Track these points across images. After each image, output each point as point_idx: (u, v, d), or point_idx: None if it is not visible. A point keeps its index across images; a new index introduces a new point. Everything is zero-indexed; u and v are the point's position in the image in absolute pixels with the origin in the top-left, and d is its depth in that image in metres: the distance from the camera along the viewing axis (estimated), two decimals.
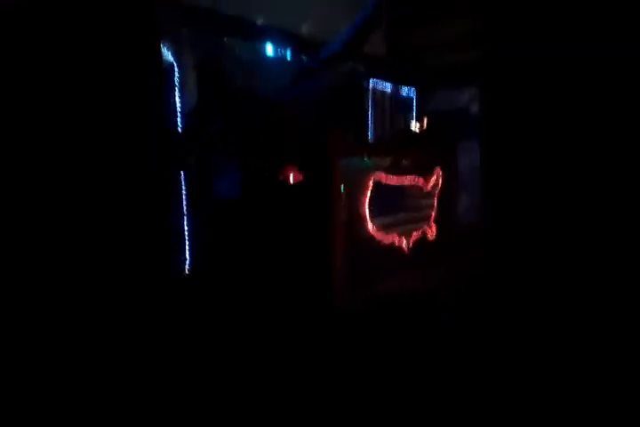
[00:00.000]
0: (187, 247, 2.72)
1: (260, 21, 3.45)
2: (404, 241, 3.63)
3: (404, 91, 4.79)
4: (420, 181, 3.77)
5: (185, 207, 2.70)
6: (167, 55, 2.61)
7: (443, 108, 5.14)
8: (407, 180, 3.65)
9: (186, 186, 2.71)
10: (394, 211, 3.55)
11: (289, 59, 3.67)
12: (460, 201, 4.22)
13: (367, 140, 4.29)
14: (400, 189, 3.61)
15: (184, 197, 2.71)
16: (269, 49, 3.54)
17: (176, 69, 2.68)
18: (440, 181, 3.96)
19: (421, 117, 4.83)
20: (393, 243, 3.51)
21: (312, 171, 2.82)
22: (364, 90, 4.36)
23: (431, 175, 3.88)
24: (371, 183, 3.27)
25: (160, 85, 1.90)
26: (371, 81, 4.43)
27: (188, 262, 2.73)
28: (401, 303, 3.18)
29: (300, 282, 2.71)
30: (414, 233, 3.75)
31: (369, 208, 3.25)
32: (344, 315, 2.90)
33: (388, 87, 4.61)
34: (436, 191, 3.95)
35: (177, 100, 2.64)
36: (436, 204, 3.95)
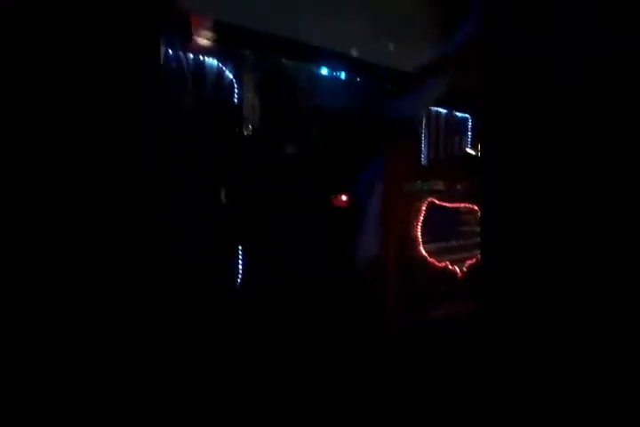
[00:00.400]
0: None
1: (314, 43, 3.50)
2: (457, 268, 3.50)
3: (460, 113, 4.72)
4: (475, 206, 3.65)
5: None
6: (228, 73, 2.69)
7: None
8: (461, 205, 3.55)
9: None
10: (447, 237, 3.44)
11: (343, 79, 3.68)
12: None
13: (421, 163, 4.21)
14: (454, 214, 3.51)
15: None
16: (324, 70, 3.57)
17: (236, 86, 2.74)
18: None
19: (476, 141, 4.73)
20: (446, 268, 3.39)
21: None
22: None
23: None
24: (424, 208, 3.20)
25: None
26: None
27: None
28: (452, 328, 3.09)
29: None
30: (468, 260, 3.61)
31: (422, 233, 3.17)
32: (397, 334, 2.85)
33: (442, 110, 4.55)
34: None
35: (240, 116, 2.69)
36: None
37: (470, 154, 4.43)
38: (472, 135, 4.77)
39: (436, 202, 3.30)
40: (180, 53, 2.51)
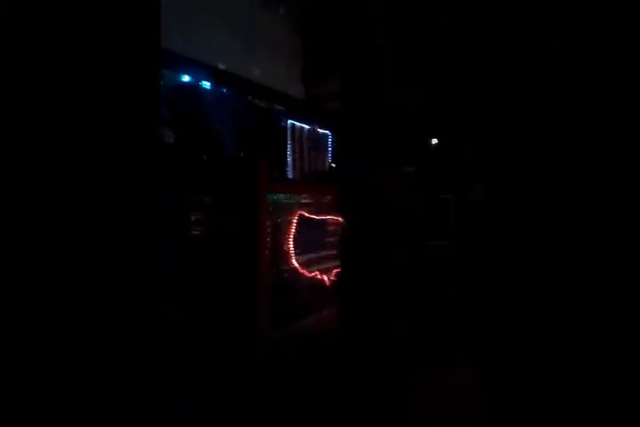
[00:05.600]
0: None
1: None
2: (325, 277, 3.65)
3: (321, 131, 4.97)
4: (340, 218, 3.86)
5: None
6: None
7: None
8: (327, 217, 3.72)
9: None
10: (316, 248, 3.57)
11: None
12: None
13: (287, 176, 4.34)
14: (321, 226, 3.66)
15: None
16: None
17: None
18: None
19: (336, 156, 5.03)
20: (315, 278, 3.51)
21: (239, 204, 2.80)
22: (284, 129, 4.46)
23: None
24: (295, 220, 3.28)
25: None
26: (289, 121, 4.55)
27: None
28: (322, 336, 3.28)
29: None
30: (334, 269, 3.79)
31: (294, 244, 3.25)
32: (267, 343, 2.88)
33: (306, 127, 4.74)
34: None
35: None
36: None
37: (333, 168, 4.68)
38: (332, 150, 5.05)
39: (306, 214, 3.41)
40: None
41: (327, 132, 5.03)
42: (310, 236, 3.49)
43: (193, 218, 2.93)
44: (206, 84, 3.61)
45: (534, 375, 2.65)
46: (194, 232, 2.92)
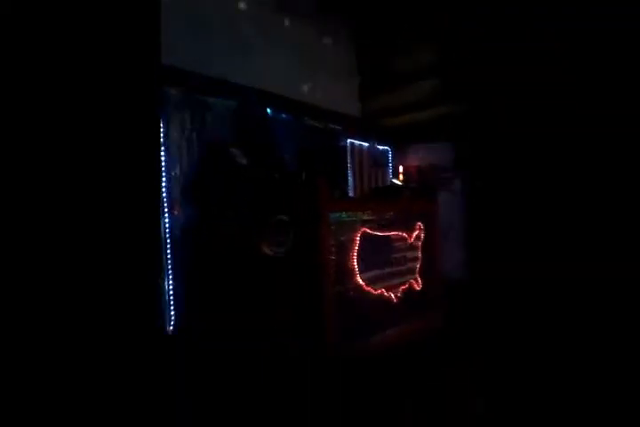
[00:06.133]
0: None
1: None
2: (392, 294, 3.61)
3: (381, 147, 4.99)
4: (405, 234, 3.82)
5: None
6: None
7: (418, 163, 5.37)
8: (391, 233, 3.70)
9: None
10: (381, 265, 3.55)
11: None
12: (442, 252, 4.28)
13: (348, 195, 4.38)
14: (386, 242, 3.64)
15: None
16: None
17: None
18: (422, 234, 4.04)
19: (397, 173, 5.02)
20: (382, 295, 3.49)
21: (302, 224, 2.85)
22: (343, 148, 4.53)
23: (414, 228, 3.95)
24: (358, 238, 3.30)
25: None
26: (348, 140, 4.61)
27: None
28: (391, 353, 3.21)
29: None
30: (402, 286, 3.75)
31: (357, 262, 3.25)
32: (336, 363, 2.86)
33: (365, 144, 4.78)
34: (420, 244, 4.00)
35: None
36: (420, 256, 4.00)
37: (395, 184, 4.67)
38: (393, 166, 5.04)
39: (369, 231, 3.41)
40: None
41: (387, 148, 5.04)
42: (375, 252, 3.48)
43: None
44: (267, 110, 3.76)
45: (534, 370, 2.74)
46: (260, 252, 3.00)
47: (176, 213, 2.88)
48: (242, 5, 3.75)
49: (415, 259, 3.97)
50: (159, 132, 1.88)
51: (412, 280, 3.90)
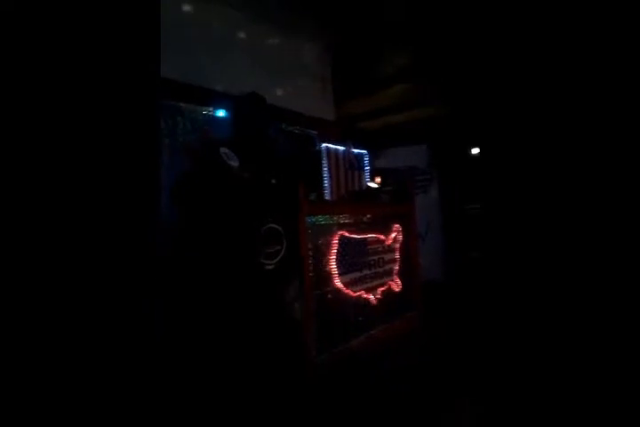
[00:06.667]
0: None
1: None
2: (371, 296, 3.64)
3: (357, 151, 5.02)
4: (382, 236, 3.85)
5: None
6: None
7: (394, 165, 5.45)
8: (368, 236, 3.72)
9: None
10: (359, 267, 3.57)
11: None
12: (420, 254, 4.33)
13: (325, 198, 4.39)
14: (363, 245, 3.66)
15: None
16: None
17: None
18: (400, 236, 4.08)
19: (374, 176, 5.06)
20: (360, 297, 3.51)
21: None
22: (319, 152, 4.55)
23: (391, 230, 3.99)
24: (336, 241, 3.31)
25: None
26: (324, 144, 4.63)
27: None
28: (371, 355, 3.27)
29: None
30: (380, 288, 3.77)
31: (336, 265, 3.26)
32: (315, 366, 2.87)
33: (340, 148, 4.81)
34: (398, 245, 4.04)
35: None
36: (398, 257, 4.04)
37: (371, 187, 4.70)
38: (370, 169, 5.08)
39: (347, 234, 3.43)
40: None
41: (363, 151, 5.08)
42: (353, 255, 3.50)
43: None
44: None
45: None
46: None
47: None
48: (216, 9, 3.75)
49: (393, 260, 4.01)
50: (159, 137, 1.85)
51: (390, 282, 3.94)
